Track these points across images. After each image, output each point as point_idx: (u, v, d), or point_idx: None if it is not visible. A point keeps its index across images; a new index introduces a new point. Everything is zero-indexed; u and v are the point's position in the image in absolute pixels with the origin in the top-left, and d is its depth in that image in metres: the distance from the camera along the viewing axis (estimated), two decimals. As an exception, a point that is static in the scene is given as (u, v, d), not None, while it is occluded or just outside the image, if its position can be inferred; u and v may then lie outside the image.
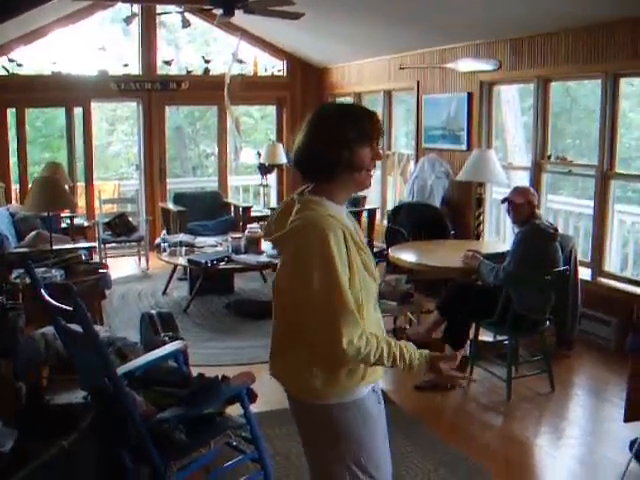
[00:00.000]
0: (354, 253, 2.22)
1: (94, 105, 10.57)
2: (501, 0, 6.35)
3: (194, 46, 14.12)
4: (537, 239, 5.18)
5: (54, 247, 6.43)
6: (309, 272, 2.15)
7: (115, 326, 6.83)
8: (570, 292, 5.93)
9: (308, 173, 2.33)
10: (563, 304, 5.81)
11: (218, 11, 6.85)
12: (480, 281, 5.58)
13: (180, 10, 7.85)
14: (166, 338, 5.01)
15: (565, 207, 7.95)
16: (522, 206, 5.28)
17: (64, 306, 3.42)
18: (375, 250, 8.40)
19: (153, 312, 5.42)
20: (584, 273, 6.42)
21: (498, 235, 8.00)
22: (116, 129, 16.10)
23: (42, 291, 3.65)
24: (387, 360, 2.26)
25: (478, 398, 5.28)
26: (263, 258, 7.46)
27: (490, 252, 5.91)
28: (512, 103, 9.31)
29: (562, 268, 5.20)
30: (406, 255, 6.11)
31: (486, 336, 5.86)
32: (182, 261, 7.57)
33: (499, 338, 5.84)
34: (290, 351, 2.36)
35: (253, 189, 11.96)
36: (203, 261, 7.25)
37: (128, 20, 8.79)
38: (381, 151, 2.38)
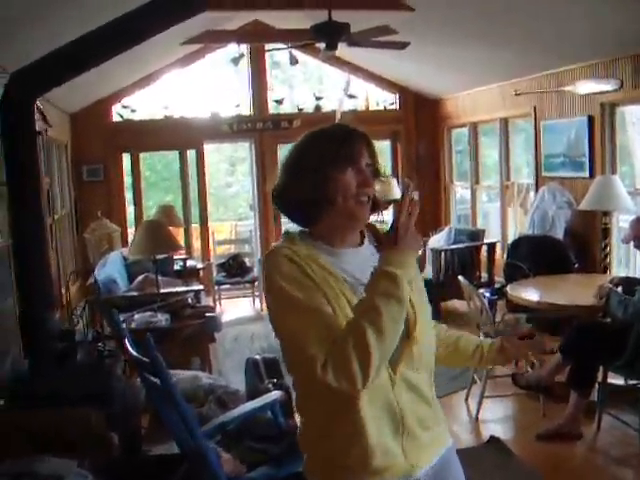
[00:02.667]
0: (332, 286, 1.84)
1: (213, 147, 10.64)
2: (618, 14, 5.90)
3: (307, 84, 14.06)
4: None
5: (161, 291, 6.38)
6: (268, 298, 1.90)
7: (226, 370, 6.69)
8: None
9: (287, 215, 2.02)
10: None
11: (322, 45, 6.70)
12: (608, 317, 5.08)
13: (286, 46, 7.75)
14: (270, 385, 4.81)
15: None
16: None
17: (143, 358, 3.21)
18: (496, 287, 7.95)
19: (258, 357, 5.23)
20: None
21: (628, 267, 7.41)
22: (236, 170, 16.23)
23: (125, 341, 3.47)
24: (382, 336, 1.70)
25: (607, 450, 4.75)
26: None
27: (630, 276, 5.39)
28: (638, 125, 8.72)
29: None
30: (526, 292, 5.68)
31: (617, 379, 5.33)
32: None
33: (632, 382, 5.28)
34: None
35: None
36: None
37: (236, 61, 8.80)
38: (370, 176, 1.94)
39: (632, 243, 5.00)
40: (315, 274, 1.83)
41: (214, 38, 8.84)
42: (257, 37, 9.05)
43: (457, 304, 8.08)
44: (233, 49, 9.66)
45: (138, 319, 5.99)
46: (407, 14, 6.97)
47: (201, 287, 6.95)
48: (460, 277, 5.74)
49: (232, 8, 7.34)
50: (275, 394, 3.80)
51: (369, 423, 1.84)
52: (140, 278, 7.02)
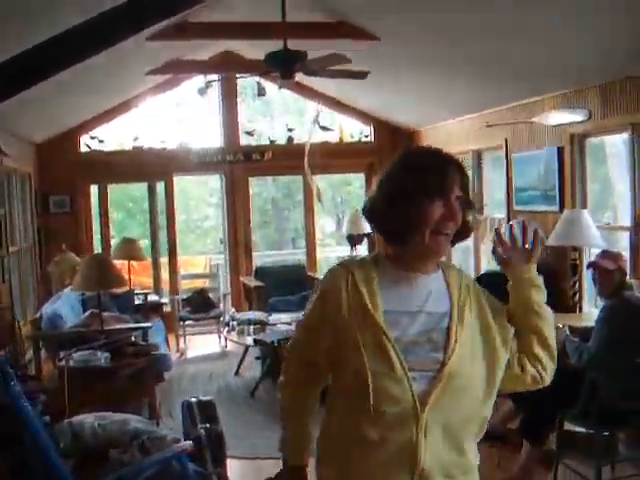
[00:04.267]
0: (360, 324, 1.86)
1: (194, 178, 10.45)
2: (585, 44, 5.69)
3: (279, 116, 13.93)
4: (626, 317, 4.36)
5: (105, 328, 6.10)
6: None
7: (176, 412, 6.36)
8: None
9: (374, 228, 2.02)
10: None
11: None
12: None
13: (244, 75, 7.55)
14: (202, 430, 4.52)
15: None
16: (611, 274, 4.52)
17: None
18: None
19: (193, 400, 4.92)
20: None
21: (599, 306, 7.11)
22: (212, 202, 16.04)
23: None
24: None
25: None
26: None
27: (584, 325, 5.10)
28: (619, 157, 8.47)
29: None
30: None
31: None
32: (249, 340, 7.05)
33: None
34: None
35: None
36: (269, 340, 6.72)
37: (202, 91, 8.58)
38: (460, 211, 1.93)
39: (593, 274, 4.70)
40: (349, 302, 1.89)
41: (179, 69, 8.66)
42: (222, 67, 8.85)
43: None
44: (203, 79, 9.50)
45: (77, 357, 5.69)
46: (374, 44, 6.80)
47: (149, 324, 6.64)
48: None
49: (195, 37, 7.15)
50: (181, 445, 3.51)
51: (375, 457, 1.83)
52: (86, 314, 6.76)
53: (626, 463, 4.73)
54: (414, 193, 1.86)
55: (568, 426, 4.67)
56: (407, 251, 1.92)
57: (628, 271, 4.80)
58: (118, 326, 6.44)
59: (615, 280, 4.51)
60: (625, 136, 6.49)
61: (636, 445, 4.75)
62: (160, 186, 10.07)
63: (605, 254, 4.78)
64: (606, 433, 4.53)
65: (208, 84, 8.75)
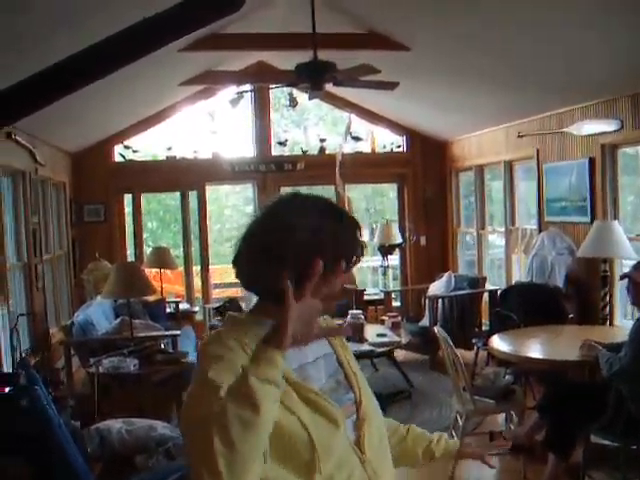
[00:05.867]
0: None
1: (229, 188, 10.50)
2: (617, 53, 5.65)
3: (312, 126, 13.96)
4: None
5: (134, 335, 6.16)
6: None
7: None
8: None
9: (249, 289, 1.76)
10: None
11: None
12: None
13: (276, 86, 7.59)
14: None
15: None
16: (637, 286, 4.45)
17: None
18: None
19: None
20: None
21: (633, 318, 7.00)
22: (247, 212, 16.11)
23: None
24: None
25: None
26: (364, 347, 6.83)
27: (615, 342, 5.00)
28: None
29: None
30: (506, 344, 5.33)
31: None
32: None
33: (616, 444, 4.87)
34: None
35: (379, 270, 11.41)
36: (298, 349, 6.73)
37: (234, 102, 8.64)
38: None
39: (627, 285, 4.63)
40: None
41: (212, 79, 8.74)
42: (254, 78, 8.91)
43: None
44: (236, 90, 9.57)
45: (106, 363, 5.77)
46: (404, 54, 6.82)
47: (177, 332, 6.69)
48: (436, 327, 5.43)
49: (227, 47, 7.23)
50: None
51: None
52: (117, 321, 6.83)
53: (653, 477, 4.65)
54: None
55: (595, 439, 4.62)
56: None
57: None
58: (148, 333, 6.48)
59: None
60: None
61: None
62: (193, 195, 10.15)
63: (637, 266, 4.69)
64: (634, 447, 4.48)
65: (240, 95, 8.81)
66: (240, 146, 10.38)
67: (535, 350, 5.29)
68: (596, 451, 4.64)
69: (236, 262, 1.76)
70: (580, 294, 7.10)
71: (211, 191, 10.48)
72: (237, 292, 10.41)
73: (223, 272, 11.95)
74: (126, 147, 9.93)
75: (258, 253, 1.66)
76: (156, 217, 14.95)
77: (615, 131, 6.66)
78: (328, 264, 1.58)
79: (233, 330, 1.66)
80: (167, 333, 6.71)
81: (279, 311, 1.50)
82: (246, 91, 8.90)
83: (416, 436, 2.10)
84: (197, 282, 10.44)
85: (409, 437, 2.08)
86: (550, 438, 4.56)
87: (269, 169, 10.07)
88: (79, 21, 4.72)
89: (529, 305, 6.69)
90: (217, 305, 9.22)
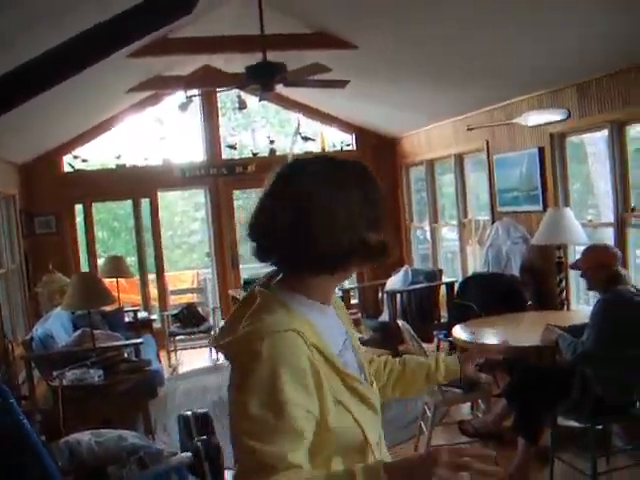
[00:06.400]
0: (331, 379, 1.57)
1: (178, 194, 10.45)
2: (561, 44, 5.76)
3: (260, 128, 13.98)
4: (619, 309, 4.34)
5: (97, 346, 6.11)
6: (246, 406, 1.47)
7: (170, 427, 6.37)
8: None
9: (289, 263, 1.65)
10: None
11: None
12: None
13: (226, 89, 7.58)
14: (199, 443, 4.53)
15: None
16: (594, 270, 4.54)
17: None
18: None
19: (189, 413, 4.93)
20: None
21: (588, 303, 7.15)
22: (198, 217, 16.07)
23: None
24: None
25: (559, 498, 4.45)
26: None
27: (576, 324, 5.11)
28: (599, 155, 8.56)
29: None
30: (469, 333, 5.41)
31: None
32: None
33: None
34: None
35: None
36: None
37: (184, 107, 8.60)
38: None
39: (580, 272, 4.72)
40: (321, 384, 1.54)
41: (159, 85, 8.69)
42: (202, 82, 8.87)
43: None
44: (184, 95, 9.53)
45: (70, 376, 5.70)
46: (352, 53, 6.86)
47: (140, 340, 6.64)
48: (400, 322, 5.49)
49: (175, 52, 7.19)
50: (180, 457, 3.53)
51: None
52: (78, 333, 6.74)
53: (620, 455, 4.76)
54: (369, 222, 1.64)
55: (562, 422, 4.71)
56: (328, 281, 1.67)
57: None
58: (110, 343, 6.43)
59: (601, 275, 4.51)
60: (604, 134, 6.57)
61: (630, 436, 4.78)
62: (145, 203, 10.08)
63: (587, 251, 4.78)
64: (600, 427, 4.58)
65: (189, 99, 8.77)
66: (190, 151, 10.33)
67: (497, 338, 5.36)
68: (564, 433, 4.73)
69: (260, 231, 1.67)
70: (536, 281, 7.23)
71: (161, 198, 10.41)
72: (193, 298, 10.39)
73: (176, 279, 11.90)
74: (75, 157, 9.82)
75: (312, 219, 1.56)
76: (106, 227, 14.81)
77: (563, 120, 6.79)
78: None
79: (278, 314, 1.57)
80: (130, 342, 6.66)
81: (314, 282, 1.60)
82: (195, 95, 8.86)
83: (413, 368, 2.08)
84: (152, 290, 10.38)
85: (407, 370, 2.07)
86: (518, 423, 4.64)
87: (220, 173, 10.08)
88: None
89: (488, 295, 6.79)
90: (175, 312, 9.20)
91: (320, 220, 1.56)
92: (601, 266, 4.51)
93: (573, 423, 4.75)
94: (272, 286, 1.67)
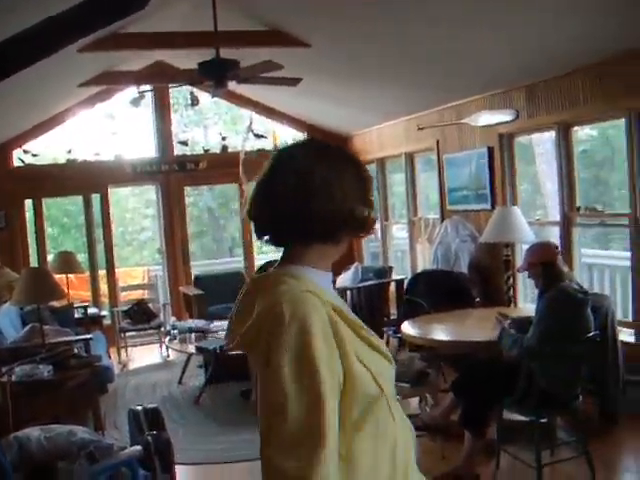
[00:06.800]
0: (350, 337, 1.60)
1: (128, 190, 10.38)
2: (510, 46, 5.88)
3: (213, 125, 13.97)
4: (562, 306, 4.43)
5: (46, 341, 6.06)
6: (278, 370, 1.51)
7: (120, 423, 6.35)
8: (610, 359, 5.23)
9: (292, 236, 1.71)
10: (602, 373, 5.13)
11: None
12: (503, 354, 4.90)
13: (179, 85, 7.58)
14: (149, 438, 4.54)
15: (611, 262, 7.27)
16: (537, 268, 4.64)
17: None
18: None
19: (139, 408, 4.93)
20: (627, 335, 5.74)
21: (534, 301, 7.28)
22: (149, 214, 15.98)
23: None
24: None
25: (505, 490, 4.55)
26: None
27: (522, 316, 5.22)
28: (546, 156, 8.74)
29: (591, 334, 4.46)
30: (418, 329, 5.49)
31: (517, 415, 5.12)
32: (191, 349, 7.09)
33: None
34: None
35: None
36: (211, 347, 6.76)
37: (135, 102, 8.57)
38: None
39: (527, 272, 4.83)
40: (341, 336, 1.59)
41: (112, 80, 8.64)
42: (155, 78, 8.85)
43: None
44: (136, 90, 9.49)
45: (18, 372, 5.64)
46: (305, 51, 6.90)
47: (90, 336, 6.62)
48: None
49: (127, 47, 7.15)
50: (130, 451, 3.54)
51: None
52: (27, 328, 6.68)
53: (564, 447, 4.88)
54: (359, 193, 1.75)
55: (508, 415, 4.81)
56: (329, 250, 1.74)
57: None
58: (59, 339, 6.38)
59: (544, 273, 4.60)
60: (552, 135, 6.72)
61: (573, 429, 4.90)
62: (96, 199, 9.99)
63: (529, 250, 4.88)
64: (544, 420, 4.69)
65: (141, 94, 8.74)
66: (142, 147, 10.28)
67: (445, 333, 5.46)
68: (510, 427, 4.85)
69: (264, 212, 1.73)
70: (484, 278, 7.36)
71: (112, 194, 10.35)
72: (143, 294, 10.35)
73: (127, 275, 11.83)
74: (25, 151, 9.70)
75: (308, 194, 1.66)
76: (56, 223, 14.65)
77: (511, 121, 6.93)
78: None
79: (290, 284, 1.62)
80: (79, 338, 6.61)
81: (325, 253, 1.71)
82: (147, 90, 8.84)
83: None
84: (103, 286, 10.31)
85: None
86: (465, 417, 4.71)
87: (172, 169, 10.05)
88: None
89: (436, 291, 6.91)
90: (126, 308, 9.16)
91: (319, 192, 1.66)
92: (543, 264, 4.60)
93: (518, 417, 4.87)
94: (274, 268, 1.72)
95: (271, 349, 1.52)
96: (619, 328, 5.61)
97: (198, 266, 11.12)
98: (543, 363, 4.38)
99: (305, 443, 1.47)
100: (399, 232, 10.05)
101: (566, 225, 6.45)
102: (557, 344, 4.37)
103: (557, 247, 4.83)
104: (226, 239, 16.10)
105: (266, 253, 12.23)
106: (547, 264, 4.58)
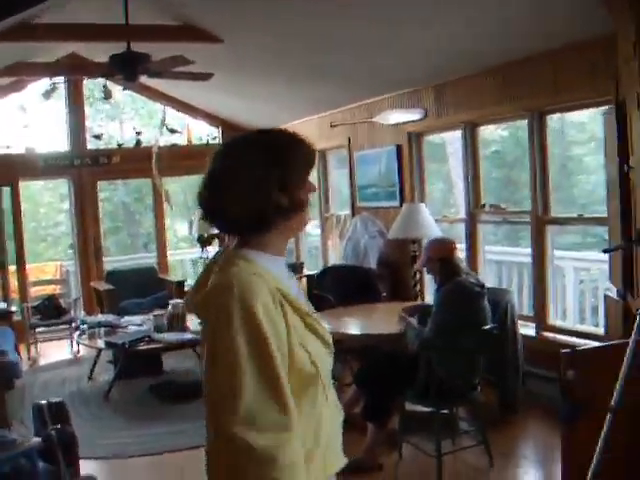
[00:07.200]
0: (294, 320, 1.74)
1: (42, 184, 10.18)
2: (421, 45, 6.02)
3: (128, 120, 13.84)
4: (458, 299, 4.59)
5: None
6: (229, 338, 1.64)
7: (27, 419, 6.27)
8: (509, 351, 5.42)
9: (231, 228, 1.85)
10: (502, 365, 5.31)
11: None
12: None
13: (90, 77, 7.51)
14: (52, 432, 4.52)
15: (518, 259, 7.50)
16: (434, 263, 4.77)
17: None
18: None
19: (43, 402, 4.89)
20: (529, 328, 5.96)
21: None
22: (63, 209, 15.72)
23: None
24: None
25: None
26: (187, 335, 6.90)
27: (423, 304, 5.35)
28: (456, 154, 8.95)
29: (488, 327, 4.62)
30: (325, 323, 5.57)
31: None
32: (100, 343, 7.04)
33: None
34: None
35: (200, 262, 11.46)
36: (120, 342, 6.73)
37: (47, 95, 8.48)
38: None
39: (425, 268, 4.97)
40: (287, 317, 1.73)
41: (23, 71, 8.48)
42: (67, 70, 8.72)
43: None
44: (48, 82, 9.35)
45: None
46: (218, 47, 6.91)
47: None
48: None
49: (40, 39, 7.04)
50: (27, 441, 3.55)
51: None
52: None
53: (465, 436, 5.04)
54: (289, 178, 1.83)
55: (410, 406, 4.95)
56: (275, 235, 1.83)
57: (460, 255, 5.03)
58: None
59: (441, 268, 4.72)
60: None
61: (473, 419, 5.06)
62: (6, 192, 9.79)
63: (429, 245, 5.00)
64: (445, 410, 4.84)
65: (53, 87, 8.63)
66: (54, 140, 10.12)
67: (352, 327, 5.57)
68: (412, 418, 4.98)
69: (215, 205, 1.82)
70: (392, 274, 7.51)
71: (25, 189, 10.16)
72: (55, 289, 10.19)
73: (39, 270, 11.62)
74: None
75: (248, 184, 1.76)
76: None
77: (420, 120, 7.09)
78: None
79: (240, 266, 1.75)
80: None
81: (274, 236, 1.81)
82: (59, 83, 8.73)
83: None
84: (13, 281, 10.11)
85: None
86: (367, 409, 4.80)
87: (84, 163, 9.93)
88: None
89: (344, 286, 7.02)
90: (36, 303, 9.03)
91: (227, 191, 1.77)
92: (441, 259, 4.72)
93: (420, 408, 4.99)
94: (231, 249, 1.84)
95: (219, 321, 1.67)
96: (522, 322, 5.83)
97: (112, 262, 11.01)
98: (440, 355, 4.52)
99: (262, 410, 1.61)
100: (313, 229, 10.14)
101: (471, 222, 6.64)
102: (454, 337, 4.51)
103: (454, 243, 4.96)
104: (142, 234, 15.94)
105: (182, 248, 12.19)
106: (444, 259, 4.71)
